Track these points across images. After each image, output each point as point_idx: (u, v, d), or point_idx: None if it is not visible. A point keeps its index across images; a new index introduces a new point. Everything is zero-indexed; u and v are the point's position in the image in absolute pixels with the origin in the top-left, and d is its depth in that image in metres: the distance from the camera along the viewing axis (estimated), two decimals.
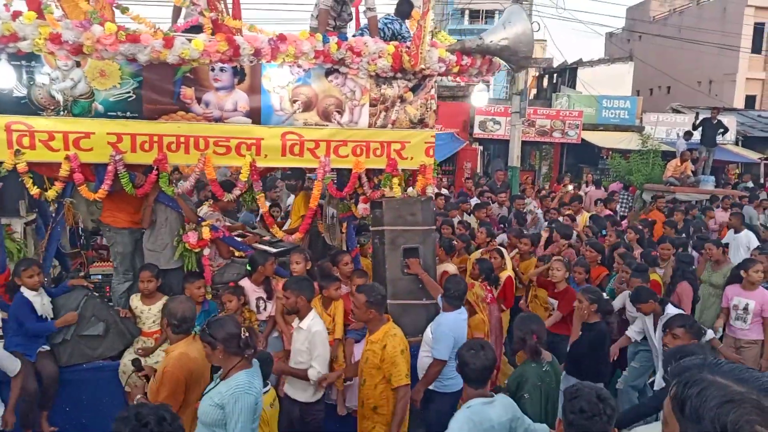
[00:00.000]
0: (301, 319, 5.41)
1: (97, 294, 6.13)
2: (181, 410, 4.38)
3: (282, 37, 5.78)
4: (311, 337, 5.27)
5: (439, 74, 6.64)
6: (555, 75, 26.44)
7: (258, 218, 8.90)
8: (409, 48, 6.18)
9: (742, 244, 9.97)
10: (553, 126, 22.72)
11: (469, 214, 11.60)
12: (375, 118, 6.42)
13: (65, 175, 5.71)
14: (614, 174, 21.76)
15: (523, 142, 20.05)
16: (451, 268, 7.65)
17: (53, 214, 6.54)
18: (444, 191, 15.60)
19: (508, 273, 7.57)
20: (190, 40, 5.39)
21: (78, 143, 5.70)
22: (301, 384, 5.38)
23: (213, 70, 5.88)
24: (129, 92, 5.73)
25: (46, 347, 5.72)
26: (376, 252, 6.68)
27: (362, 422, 5.20)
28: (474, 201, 13.17)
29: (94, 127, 5.70)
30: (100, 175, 5.85)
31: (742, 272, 7.21)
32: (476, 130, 22.71)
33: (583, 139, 22.60)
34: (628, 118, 23.39)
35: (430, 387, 5.57)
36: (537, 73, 26.37)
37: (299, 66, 6.06)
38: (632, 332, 6.68)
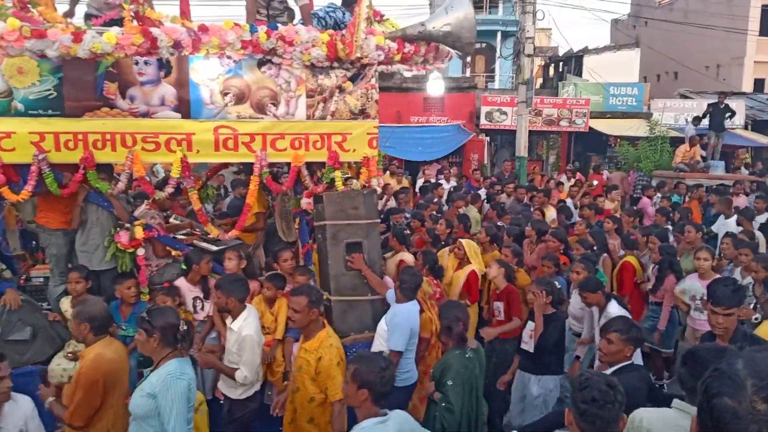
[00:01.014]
0: (233, 319, 5.25)
1: (23, 297, 5.97)
2: (100, 413, 4.32)
3: (203, 28, 5.58)
4: (240, 341, 5.10)
5: (380, 63, 6.40)
6: (561, 63, 26.00)
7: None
8: (344, 36, 5.96)
9: (731, 229, 9.57)
10: (560, 115, 22.34)
11: (465, 206, 11.36)
12: (313, 110, 6.19)
13: None
14: (623, 162, 21.36)
15: (530, 132, 19.79)
16: (407, 257, 7.44)
17: None
18: (445, 183, 15.41)
19: (472, 267, 7.30)
20: (102, 34, 5.21)
21: None
22: (232, 381, 5.20)
23: (137, 63, 5.69)
24: (49, 89, 5.55)
25: None
26: (320, 247, 6.48)
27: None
28: (482, 192, 12.85)
29: (14, 127, 5.55)
30: (25, 175, 5.70)
31: None
32: (483, 121, 22.43)
33: (590, 128, 22.19)
34: (636, 104, 22.92)
35: None
36: (543, 62, 25.95)
37: (229, 57, 5.86)
38: (586, 332, 6.42)
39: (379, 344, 5.67)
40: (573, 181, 15.07)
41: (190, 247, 6.49)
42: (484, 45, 27.56)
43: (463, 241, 7.52)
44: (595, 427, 2.77)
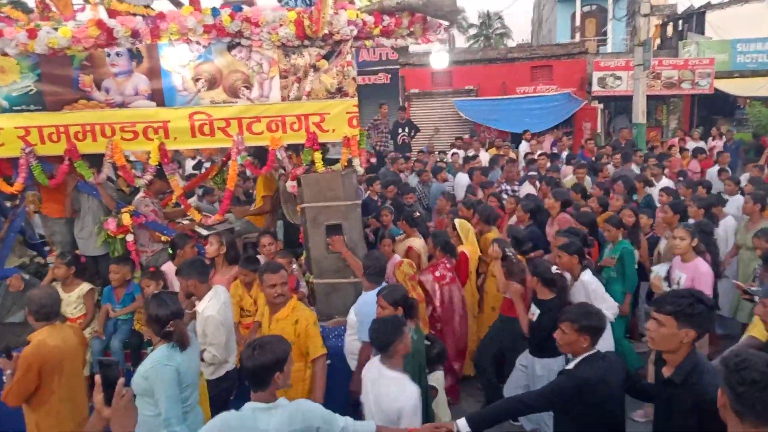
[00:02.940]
0: (199, 301, 5.35)
1: (27, 279, 6.38)
2: (43, 396, 4.55)
3: (161, 16, 5.68)
4: (204, 322, 5.19)
5: (357, 38, 6.24)
6: (681, 21, 23.98)
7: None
8: (311, 13, 5.84)
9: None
10: (681, 77, 20.68)
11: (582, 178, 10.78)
12: (287, 91, 6.13)
13: None
14: (754, 124, 19.56)
15: (648, 97, 18.57)
16: (416, 243, 7.23)
17: (13, 207, 6.92)
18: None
19: (463, 248, 6.98)
20: (57, 29, 5.43)
21: None
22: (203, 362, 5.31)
23: (109, 55, 5.89)
24: (29, 86, 5.89)
25: None
26: (304, 230, 6.44)
27: None
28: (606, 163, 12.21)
29: (2, 123, 5.93)
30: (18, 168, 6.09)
31: None
32: (595, 88, 21.23)
33: (716, 89, 20.35)
34: (767, 61, 20.78)
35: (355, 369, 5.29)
36: (660, 21, 24.12)
37: (198, 43, 5.93)
38: None
39: (350, 335, 5.58)
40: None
41: (174, 232, 6.63)
42: (594, 7, 26.10)
43: (457, 222, 7.20)
44: (755, 411, 2.55)
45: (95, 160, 6.26)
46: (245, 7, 5.86)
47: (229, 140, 6.13)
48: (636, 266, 6.93)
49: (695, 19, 23.06)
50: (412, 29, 6.46)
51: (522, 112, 20.35)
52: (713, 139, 17.45)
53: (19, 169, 6.02)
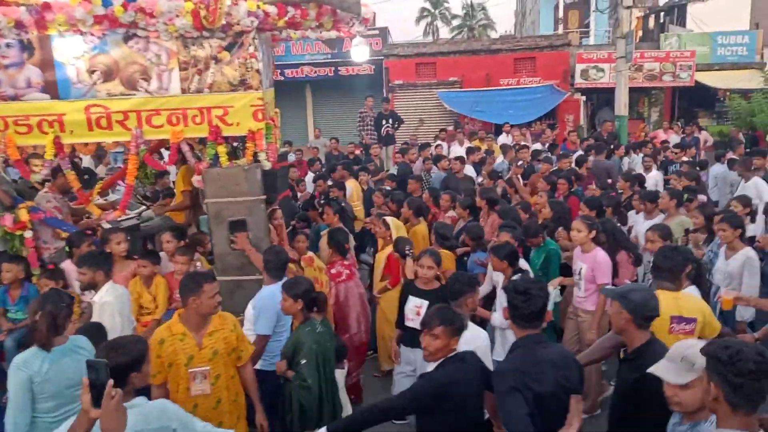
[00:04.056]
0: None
1: None
2: None
3: (46, 6, 5.48)
4: (100, 309, 5.01)
5: (262, 29, 6.03)
6: (662, 14, 23.73)
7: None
8: (208, 4, 5.63)
9: (751, 194, 8.31)
10: (662, 69, 20.46)
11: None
12: (188, 83, 5.93)
13: None
14: (734, 116, 19.29)
15: (630, 89, 18.29)
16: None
17: None
18: (537, 145, 14.90)
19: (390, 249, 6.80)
20: None
21: None
22: None
23: None
24: None
25: None
26: (208, 226, 6.26)
27: (223, 419, 4.46)
28: (578, 154, 12.13)
29: None
30: None
31: None
32: (577, 80, 21.06)
33: (696, 81, 20.14)
34: (747, 54, 20.49)
35: (257, 366, 5.11)
36: (642, 14, 23.77)
37: (92, 34, 5.73)
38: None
39: (247, 329, 5.42)
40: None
41: (75, 229, 6.46)
42: None
43: (389, 219, 7.02)
44: (751, 401, 2.62)
45: None
46: None
47: (128, 134, 5.95)
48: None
49: (677, 12, 22.88)
50: (320, 21, 6.26)
51: (506, 103, 20.26)
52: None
53: None
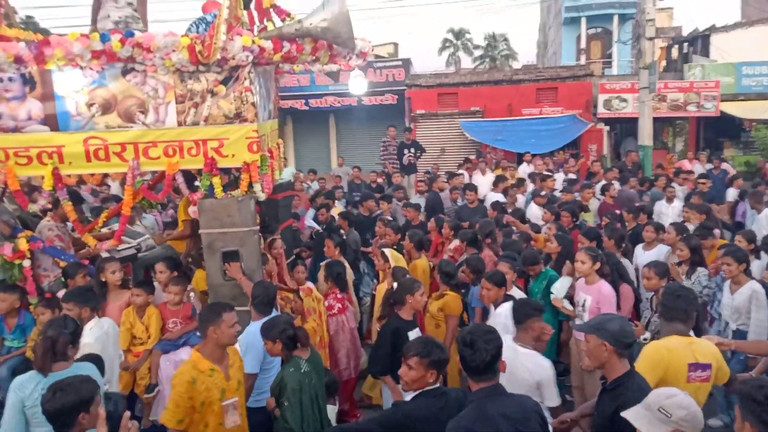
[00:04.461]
0: None
1: None
2: None
3: (45, 41, 5.64)
4: (81, 350, 5.09)
5: (259, 64, 6.14)
6: (686, 44, 23.53)
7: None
8: (203, 40, 5.75)
9: (763, 225, 8.16)
10: (686, 99, 20.32)
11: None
12: (184, 116, 6.03)
13: None
14: (760, 146, 19.01)
15: (654, 119, 18.24)
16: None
17: None
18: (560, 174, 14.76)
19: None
20: None
21: None
22: None
23: (1, 81, 5.86)
24: None
25: None
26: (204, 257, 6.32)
27: None
28: (602, 184, 12.14)
29: None
30: None
31: None
32: (600, 110, 20.99)
33: (721, 111, 19.96)
34: None
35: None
36: (665, 44, 23.62)
37: (91, 68, 5.88)
38: None
39: None
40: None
41: (73, 258, 6.56)
42: (599, 29, 25.68)
43: (387, 252, 7.02)
44: None
45: None
46: (137, 33, 5.78)
47: (125, 165, 6.05)
48: None
49: (700, 42, 22.68)
50: (316, 56, 6.36)
51: (528, 133, 20.23)
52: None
53: None
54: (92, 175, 7.36)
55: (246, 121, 6.06)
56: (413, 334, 5.36)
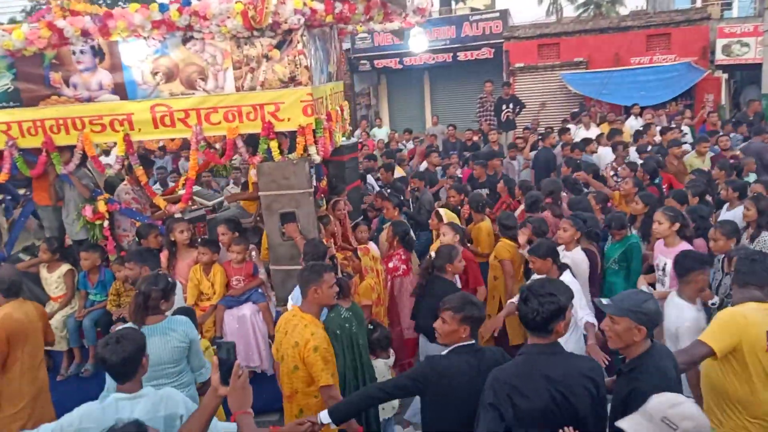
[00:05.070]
0: None
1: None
2: (8, 365, 5.01)
3: (108, 14, 5.95)
4: None
5: (311, 26, 6.23)
6: None
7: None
8: (255, 5, 5.89)
9: None
10: None
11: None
12: (242, 81, 6.23)
13: None
14: None
15: None
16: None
17: (24, 194, 7.55)
18: (684, 128, 13.90)
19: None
20: (12, 32, 5.85)
21: None
22: None
23: (74, 53, 6.24)
24: (8, 84, 6.37)
25: None
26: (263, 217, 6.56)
27: None
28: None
29: None
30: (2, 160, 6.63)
31: None
32: (718, 56, 19.64)
33: None
34: None
35: None
36: None
37: (154, 38, 6.16)
38: None
39: None
40: None
41: (146, 219, 6.96)
42: None
43: (441, 211, 7.02)
44: None
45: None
46: (193, 1, 5.99)
47: (189, 130, 6.33)
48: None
49: None
50: (370, 15, 6.37)
51: (637, 84, 19.23)
52: None
53: (2, 160, 6.54)
54: (172, 140, 7.78)
55: (300, 84, 6.17)
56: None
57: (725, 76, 19.76)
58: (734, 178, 7.92)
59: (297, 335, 4.31)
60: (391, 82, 24.10)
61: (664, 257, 5.72)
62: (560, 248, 5.96)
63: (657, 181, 8.53)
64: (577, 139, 12.18)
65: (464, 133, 15.72)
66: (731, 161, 9.16)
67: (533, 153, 12.20)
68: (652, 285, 5.95)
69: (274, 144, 6.24)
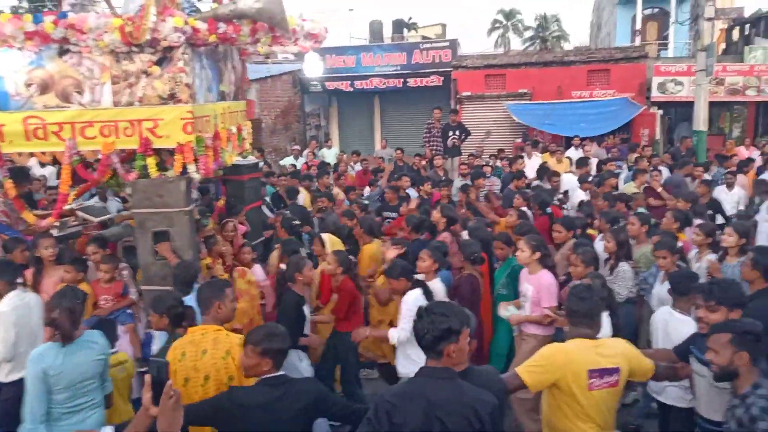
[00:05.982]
0: None
1: None
2: None
3: None
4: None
5: (195, 45, 6.13)
6: (747, 26, 22.15)
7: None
8: (134, 20, 5.79)
9: None
10: (746, 83, 19.21)
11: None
12: (119, 96, 6.10)
13: None
14: None
15: (711, 103, 17.51)
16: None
17: None
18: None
19: (322, 267, 6.72)
20: None
21: None
22: None
23: None
24: None
25: None
26: (134, 236, 6.41)
27: None
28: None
29: None
30: None
31: None
32: (654, 93, 20.06)
33: None
34: None
35: None
36: (725, 25, 22.29)
37: (28, 49, 6.01)
38: None
39: None
40: None
41: (12, 233, 6.75)
42: (656, 10, 24.42)
43: (325, 237, 6.95)
44: None
45: None
46: (70, 14, 5.86)
47: (62, 144, 6.16)
48: None
49: (763, 24, 21.25)
50: (256, 37, 6.30)
51: (577, 116, 19.52)
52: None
53: None
54: (43, 154, 7.58)
55: (180, 101, 6.06)
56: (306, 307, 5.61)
57: (660, 112, 20.14)
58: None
59: (225, 345, 4.16)
60: (342, 104, 24.11)
61: (527, 284, 5.87)
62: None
63: (548, 211, 8.59)
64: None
65: (412, 157, 15.76)
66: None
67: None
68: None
69: (151, 161, 6.11)
